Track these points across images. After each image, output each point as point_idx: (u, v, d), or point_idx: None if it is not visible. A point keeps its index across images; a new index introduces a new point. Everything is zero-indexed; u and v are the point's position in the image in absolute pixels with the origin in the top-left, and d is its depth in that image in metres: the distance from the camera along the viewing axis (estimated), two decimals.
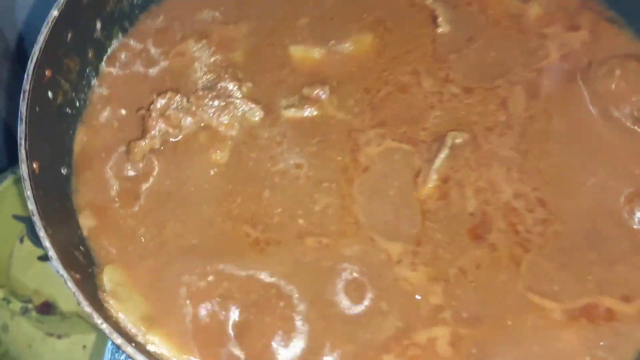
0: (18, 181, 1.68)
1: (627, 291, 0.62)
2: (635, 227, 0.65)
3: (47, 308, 1.65)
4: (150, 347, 0.58)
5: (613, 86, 0.70)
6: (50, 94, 0.67)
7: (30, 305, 1.58)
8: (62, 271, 0.54)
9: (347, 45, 0.76)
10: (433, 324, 0.61)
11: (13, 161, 1.70)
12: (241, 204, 0.67)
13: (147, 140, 0.70)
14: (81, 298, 0.54)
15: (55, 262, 0.55)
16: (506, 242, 0.64)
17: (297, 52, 0.75)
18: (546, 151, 0.69)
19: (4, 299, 1.56)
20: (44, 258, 1.66)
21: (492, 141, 0.70)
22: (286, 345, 0.60)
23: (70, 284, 0.54)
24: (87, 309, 0.53)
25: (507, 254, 0.63)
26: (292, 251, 0.64)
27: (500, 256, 0.63)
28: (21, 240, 1.75)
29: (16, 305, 1.57)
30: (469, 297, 0.62)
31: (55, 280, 1.68)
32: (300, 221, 0.66)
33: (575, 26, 0.76)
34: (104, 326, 0.53)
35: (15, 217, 1.65)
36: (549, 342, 0.59)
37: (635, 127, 0.69)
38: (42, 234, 0.56)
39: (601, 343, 0.59)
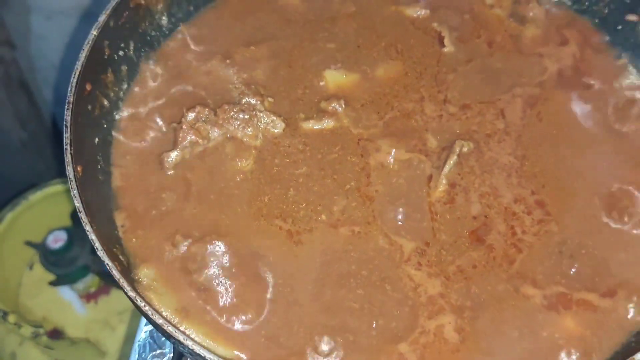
0: (30, 207, 1.73)
1: (611, 286, 0.67)
2: (619, 226, 0.71)
3: (56, 334, 1.68)
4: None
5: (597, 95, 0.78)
6: (89, 106, 0.73)
7: (41, 330, 1.61)
8: (107, 260, 0.59)
9: (378, 71, 0.83)
10: (437, 312, 0.66)
11: (23, 189, 1.75)
12: (269, 203, 0.73)
13: (178, 151, 0.75)
14: (125, 284, 0.58)
15: (101, 253, 0.60)
16: (503, 244, 0.70)
17: (330, 75, 0.82)
18: (540, 155, 0.76)
19: (15, 324, 1.59)
20: (56, 283, 1.70)
21: (493, 148, 0.76)
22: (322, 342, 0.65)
23: (115, 272, 0.59)
24: (131, 293, 0.58)
25: (502, 254, 0.69)
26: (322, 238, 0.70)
27: (495, 256, 0.69)
28: (31, 267, 1.79)
29: (27, 330, 1.60)
30: (465, 291, 0.67)
31: (64, 307, 1.71)
32: (323, 216, 0.72)
33: (565, 41, 0.83)
34: (147, 308, 0.57)
35: (28, 243, 1.70)
36: (534, 329, 0.65)
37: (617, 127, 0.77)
38: (87, 227, 0.61)
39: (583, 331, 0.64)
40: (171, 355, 0.79)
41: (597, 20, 0.87)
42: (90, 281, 1.75)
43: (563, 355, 0.63)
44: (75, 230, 1.72)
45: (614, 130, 0.77)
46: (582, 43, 0.84)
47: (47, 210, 1.79)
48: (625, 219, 0.71)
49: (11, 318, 1.58)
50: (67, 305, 1.75)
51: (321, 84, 0.82)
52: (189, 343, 0.55)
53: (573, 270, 0.67)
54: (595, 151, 0.75)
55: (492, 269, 0.68)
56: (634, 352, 0.56)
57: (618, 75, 0.82)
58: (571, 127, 0.78)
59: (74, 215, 1.77)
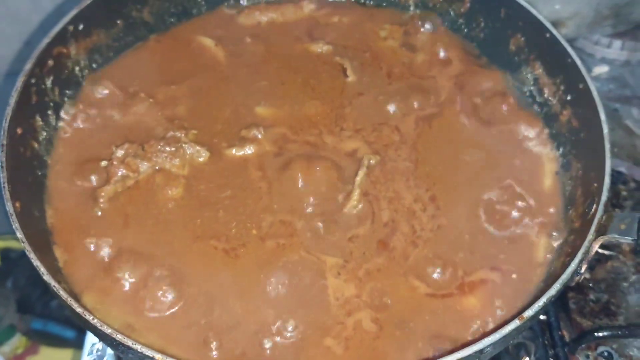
0: None
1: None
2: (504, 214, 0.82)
3: None
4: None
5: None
6: (21, 148, 0.77)
7: None
8: (53, 282, 0.63)
9: (303, 107, 0.91)
10: (353, 310, 0.74)
11: None
12: (202, 225, 0.79)
13: (111, 185, 0.80)
14: (72, 303, 0.63)
15: (46, 277, 0.64)
16: (403, 243, 0.79)
17: (266, 110, 0.90)
18: (431, 157, 0.86)
19: None
20: None
21: (392, 157, 0.86)
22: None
23: (62, 292, 0.63)
24: (79, 309, 0.62)
25: (400, 253, 0.78)
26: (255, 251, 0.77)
27: (395, 256, 0.78)
28: None
29: None
30: (374, 289, 0.76)
31: None
32: (254, 232, 0.78)
33: (448, 62, 0.95)
34: (95, 321, 0.61)
35: None
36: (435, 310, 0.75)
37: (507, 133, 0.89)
38: (31, 255, 0.65)
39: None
40: None
41: (475, 43, 0.99)
42: (17, 342, 1.72)
43: (473, 325, 0.72)
44: None
45: (491, 132, 0.89)
46: (464, 64, 0.97)
47: None
48: (511, 203, 0.82)
49: None
50: None
51: (242, 114, 0.90)
52: (138, 347, 0.59)
53: (461, 256, 0.77)
54: (476, 149, 0.87)
55: (392, 267, 0.77)
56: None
57: (494, 87, 0.94)
58: (456, 131, 0.89)
59: None
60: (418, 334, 0.72)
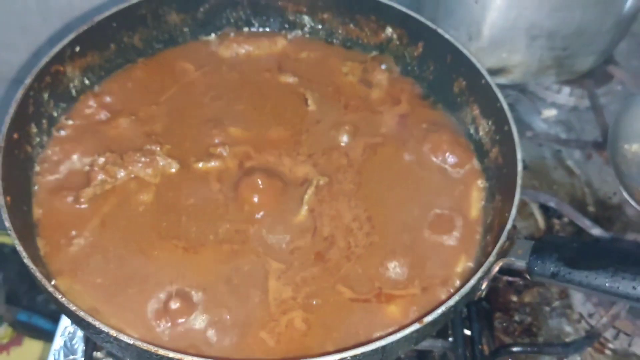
0: None
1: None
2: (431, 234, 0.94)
3: None
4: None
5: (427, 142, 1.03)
6: (16, 151, 0.90)
7: None
8: (32, 265, 0.75)
9: (269, 131, 1.04)
10: (288, 310, 0.86)
11: None
12: (166, 227, 0.91)
13: (91, 188, 0.93)
14: (47, 285, 0.74)
15: (26, 260, 0.76)
16: (338, 256, 0.90)
17: (235, 131, 1.03)
18: (372, 181, 0.99)
19: None
20: None
21: (339, 179, 0.98)
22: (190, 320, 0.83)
23: (38, 274, 0.75)
24: (50, 289, 0.74)
25: (334, 265, 0.90)
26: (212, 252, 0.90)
27: (329, 267, 0.89)
28: None
29: None
30: (308, 293, 0.87)
31: None
32: (211, 237, 0.91)
33: (398, 101, 1.08)
34: (63, 299, 0.73)
35: None
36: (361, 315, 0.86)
37: (444, 165, 1.01)
38: (16, 242, 0.77)
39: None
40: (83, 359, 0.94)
41: (425, 84, 1.12)
42: (3, 332, 1.82)
43: (389, 328, 0.83)
44: None
45: (427, 162, 1.02)
46: (412, 102, 1.09)
47: None
48: (439, 226, 0.94)
49: None
50: None
51: (212, 134, 1.02)
52: (96, 323, 0.71)
53: (388, 272, 0.89)
54: (412, 177, 1.00)
55: (324, 276, 0.89)
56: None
57: (436, 124, 1.07)
58: (397, 160, 1.02)
59: None
60: (341, 332, 0.84)
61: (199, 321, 0.84)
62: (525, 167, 1.29)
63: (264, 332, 0.84)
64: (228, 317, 0.84)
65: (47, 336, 1.76)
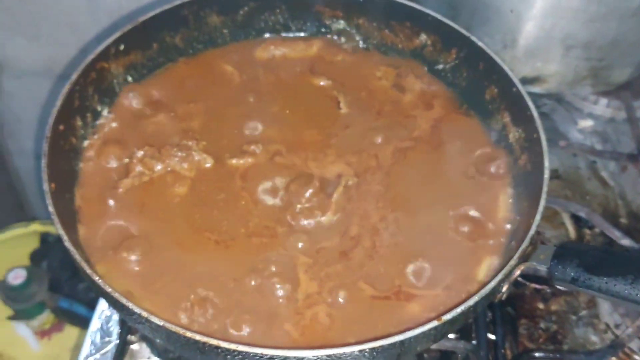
0: None
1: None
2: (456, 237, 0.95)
3: None
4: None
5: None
6: (61, 142, 0.95)
7: None
8: (72, 248, 0.80)
9: (302, 133, 1.07)
10: (313, 304, 0.88)
11: None
12: (199, 220, 0.95)
13: (130, 179, 0.98)
14: (87, 268, 0.79)
15: (67, 244, 0.81)
16: (362, 255, 0.93)
17: (268, 131, 1.07)
18: (401, 183, 1.00)
19: None
20: (14, 317, 1.84)
21: (368, 180, 1.00)
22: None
23: (78, 257, 0.79)
24: (88, 270, 0.79)
25: (358, 263, 0.92)
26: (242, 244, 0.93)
27: (351, 265, 0.92)
28: None
29: None
30: (332, 289, 0.89)
31: (19, 343, 1.85)
32: (242, 230, 0.94)
33: (430, 106, 1.10)
34: (99, 281, 0.78)
35: None
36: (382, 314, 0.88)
37: (473, 170, 1.02)
38: (58, 227, 0.82)
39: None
40: (117, 342, 0.99)
41: (458, 90, 1.14)
42: (45, 318, 1.90)
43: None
44: (33, 269, 1.89)
45: (458, 166, 1.03)
46: (445, 107, 1.11)
47: (7, 251, 1.95)
48: (465, 228, 0.95)
49: None
50: (22, 341, 1.89)
51: (246, 133, 1.06)
52: (130, 304, 0.76)
53: (410, 271, 0.91)
54: (441, 180, 1.01)
55: (347, 273, 0.91)
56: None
57: (472, 135, 1.08)
58: (426, 163, 1.03)
59: (34, 255, 1.94)
60: (362, 328, 0.86)
61: (226, 310, 0.87)
62: (558, 177, 1.29)
63: (289, 325, 0.86)
64: (255, 307, 0.87)
65: (86, 323, 1.82)
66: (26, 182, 2.16)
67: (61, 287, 1.92)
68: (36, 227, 1.98)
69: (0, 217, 2.10)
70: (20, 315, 1.84)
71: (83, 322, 1.85)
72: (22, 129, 1.97)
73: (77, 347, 1.78)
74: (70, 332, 1.91)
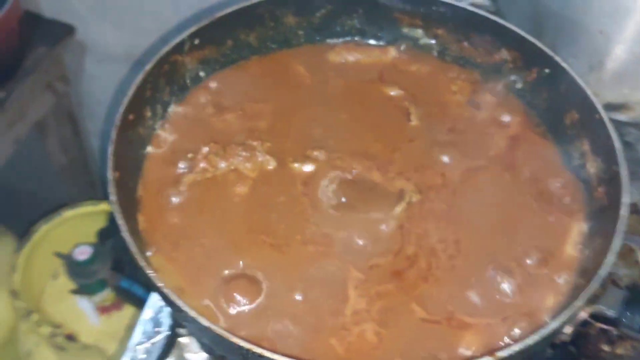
0: (62, 223, 1.96)
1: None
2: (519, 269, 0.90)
3: (70, 338, 1.88)
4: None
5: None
6: (130, 131, 0.96)
7: (58, 330, 1.81)
8: (129, 238, 0.81)
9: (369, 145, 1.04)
10: (361, 321, 0.86)
11: (57, 207, 1.99)
12: (257, 221, 0.94)
13: (193, 174, 0.98)
14: (141, 259, 0.80)
15: (124, 233, 0.81)
16: (417, 276, 0.89)
17: (333, 137, 1.05)
18: (466, 205, 0.96)
19: (36, 323, 1.79)
20: (77, 292, 1.90)
21: (431, 197, 0.97)
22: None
23: (133, 247, 0.80)
24: (142, 263, 0.79)
25: (411, 284, 0.88)
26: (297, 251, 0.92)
27: (404, 285, 0.88)
28: (55, 277, 2.00)
29: (46, 329, 1.80)
30: (381, 307, 0.87)
31: (80, 316, 1.92)
32: (298, 237, 0.93)
33: (506, 126, 1.05)
34: (152, 273, 0.78)
35: (56, 254, 1.92)
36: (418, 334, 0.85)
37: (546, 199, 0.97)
38: (117, 215, 0.83)
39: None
40: (168, 333, 0.99)
41: (536, 111, 1.08)
42: (106, 295, 1.96)
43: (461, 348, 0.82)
44: (99, 247, 1.94)
45: (530, 194, 0.97)
46: (522, 128, 1.06)
47: (76, 226, 2.02)
48: (529, 261, 0.90)
49: (34, 317, 1.79)
50: (83, 315, 1.95)
51: (311, 137, 1.05)
52: (185, 307, 0.75)
53: (464, 298, 0.87)
54: (511, 206, 0.96)
55: (399, 294, 0.88)
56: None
57: (548, 160, 1.03)
58: (497, 186, 0.98)
59: (100, 233, 1.99)
60: (410, 351, 0.83)
61: (274, 317, 0.86)
62: (637, 211, 1.21)
63: (335, 339, 0.84)
64: (302, 317, 0.86)
65: (143, 306, 1.86)
66: (101, 163, 2.24)
67: (123, 267, 1.96)
68: (105, 206, 2.04)
69: (73, 193, 2.18)
70: (82, 290, 1.90)
71: (140, 304, 1.89)
72: (101, 111, 2.03)
73: (129, 329, 1.83)
74: (129, 311, 1.96)
